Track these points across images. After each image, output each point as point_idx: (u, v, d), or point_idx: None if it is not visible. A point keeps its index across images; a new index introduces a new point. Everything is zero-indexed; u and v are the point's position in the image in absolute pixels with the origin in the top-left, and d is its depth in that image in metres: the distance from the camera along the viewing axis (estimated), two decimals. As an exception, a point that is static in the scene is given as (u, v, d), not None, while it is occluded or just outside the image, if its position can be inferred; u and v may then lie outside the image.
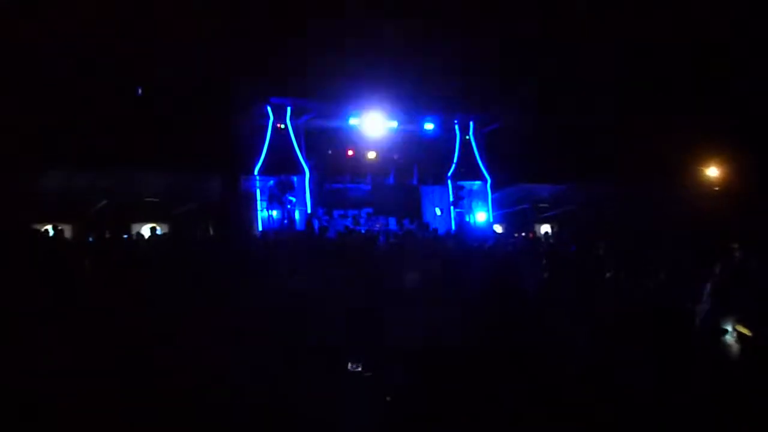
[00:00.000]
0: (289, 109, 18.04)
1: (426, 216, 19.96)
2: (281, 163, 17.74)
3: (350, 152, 19.48)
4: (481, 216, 20.12)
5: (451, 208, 20.03)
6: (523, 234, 17.42)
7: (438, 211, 20.04)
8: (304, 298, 8.12)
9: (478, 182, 20.34)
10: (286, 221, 17.38)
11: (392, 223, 18.56)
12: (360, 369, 6.59)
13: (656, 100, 18.74)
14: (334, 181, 19.22)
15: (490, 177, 20.30)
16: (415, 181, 20.43)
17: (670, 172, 18.86)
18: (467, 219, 19.92)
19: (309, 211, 17.91)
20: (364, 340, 7.02)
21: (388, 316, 7.68)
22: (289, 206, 17.58)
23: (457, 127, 20.42)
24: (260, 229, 17.16)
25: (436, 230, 17.23)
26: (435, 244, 13.48)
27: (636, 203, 17.35)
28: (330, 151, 19.23)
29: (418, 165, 20.47)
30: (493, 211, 20.23)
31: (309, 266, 9.91)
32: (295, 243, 13.67)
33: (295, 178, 17.94)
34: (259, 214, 17.49)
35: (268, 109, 17.90)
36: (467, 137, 20.38)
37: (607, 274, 9.81)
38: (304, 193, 18.07)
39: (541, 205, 20.84)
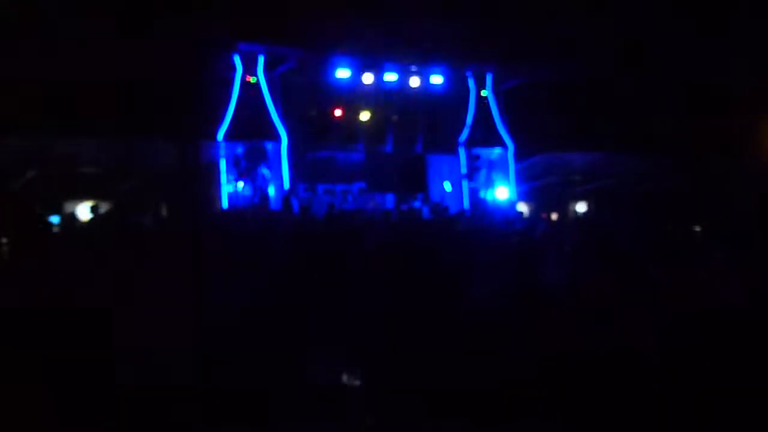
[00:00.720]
0: (261, 58, 18.06)
1: (433, 193, 20.12)
2: (252, 127, 17.85)
3: (338, 113, 19.60)
4: (501, 192, 20.34)
5: (464, 182, 20.26)
6: (554, 214, 17.77)
7: (448, 186, 20.26)
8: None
9: (497, 150, 20.60)
10: (257, 199, 17.56)
11: (390, 200, 18.85)
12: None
13: (737, 52, 18.87)
14: (318, 148, 19.33)
15: (513, 143, 20.51)
16: (419, 149, 20.64)
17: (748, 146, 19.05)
18: (484, 196, 20.20)
19: (287, 186, 17.98)
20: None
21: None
22: (261, 180, 17.86)
23: (471, 81, 20.56)
24: (224, 208, 17.25)
25: (446, 209, 17.46)
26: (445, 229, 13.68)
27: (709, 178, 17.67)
28: (313, 112, 19.35)
29: (423, 128, 20.66)
30: (516, 186, 20.39)
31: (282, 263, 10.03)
32: (266, 226, 13.73)
33: (269, 145, 18.08)
34: (223, 190, 17.59)
35: (236, 58, 17.89)
36: (484, 94, 20.54)
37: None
38: (281, 163, 18.19)
39: (574, 177, 20.98)
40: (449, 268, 10.41)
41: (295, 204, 17.12)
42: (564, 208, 20.50)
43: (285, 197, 17.37)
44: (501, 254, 11.29)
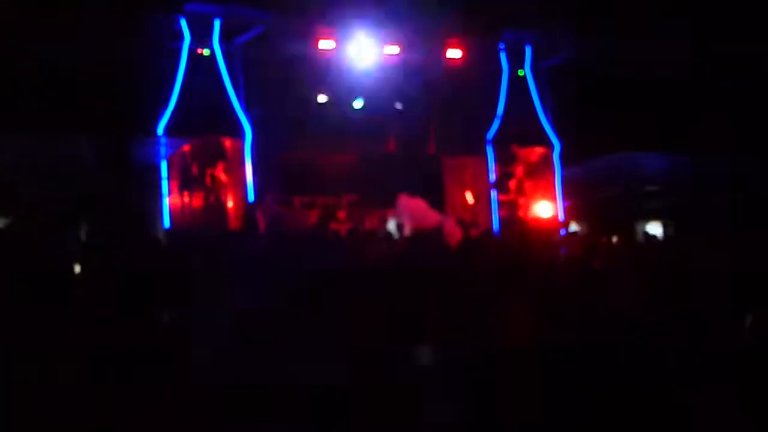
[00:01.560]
0: (217, 23, 17.97)
1: (450, 208, 20.15)
2: (204, 117, 17.76)
3: (321, 99, 19.80)
4: (544, 207, 20.25)
5: (493, 193, 20.18)
6: (616, 238, 17.06)
7: (470, 199, 20.30)
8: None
9: (539, 150, 20.51)
10: (210, 215, 17.68)
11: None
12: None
13: None
14: (295, 147, 19.17)
15: (560, 141, 20.43)
16: (431, 149, 20.72)
17: None
18: (520, 212, 20.14)
19: (251, 198, 17.87)
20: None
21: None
22: (216, 189, 17.80)
23: (503, 57, 20.44)
24: (166, 228, 17.26)
25: (467, 228, 16.88)
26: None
27: None
28: (287, 97, 19.21)
29: (437, 120, 20.67)
30: (563, 200, 20.33)
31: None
32: (222, 253, 12.78)
33: (227, 142, 18.07)
34: (164, 204, 17.55)
35: (182, 23, 17.81)
36: (520, 74, 20.48)
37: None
38: (243, 166, 18.13)
39: (647, 188, 20.94)
40: (471, 312, 10.00)
41: (263, 222, 16.51)
42: (632, 231, 20.18)
43: (248, 213, 16.96)
44: (544, 294, 10.67)
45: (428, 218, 16.69)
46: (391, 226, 17.26)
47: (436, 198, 19.61)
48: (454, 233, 15.59)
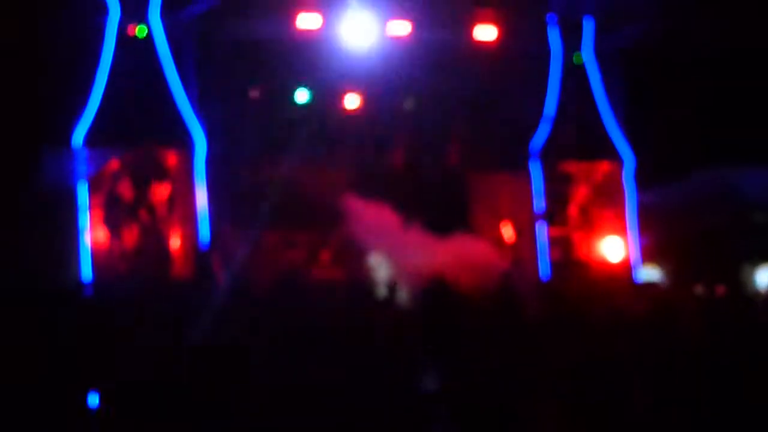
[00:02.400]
0: None
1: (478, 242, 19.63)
2: (138, 121, 17.79)
3: (302, 95, 19.74)
4: (613, 245, 20.11)
5: (541, 225, 20.21)
6: (720, 287, 16.89)
7: (508, 233, 20.27)
8: None
9: (604, 166, 20.55)
10: (147, 258, 17.70)
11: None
12: None
13: None
14: (264, 161, 19.34)
15: (633, 154, 20.42)
16: (454, 162, 20.73)
17: None
18: (579, 253, 20.19)
19: (205, 233, 18.05)
20: None
21: None
22: (155, 221, 17.93)
23: (554, 34, 20.43)
24: (86, 278, 17.19)
25: (507, 278, 16.65)
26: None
27: None
28: (254, 93, 19.58)
29: (462, 124, 20.62)
30: (639, 236, 20.28)
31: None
32: (164, 314, 13.25)
33: (170, 156, 18.19)
34: (83, 242, 17.39)
35: None
36: (578, 61, 20.47)
37: None
38: (193, 189, 18.21)
39: (761, 217, 20.87)
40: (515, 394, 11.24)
41: (221, 271, 17.08)
42: (739, 279, 19.57)
43: (201, 256, 17.58)
44: (611, 375, 11.85)
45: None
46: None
47: (461, 228, 19.53)
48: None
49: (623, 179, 20.21)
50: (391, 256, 18.30)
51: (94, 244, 17.43)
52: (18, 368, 11.08)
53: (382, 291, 15.43)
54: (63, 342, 11.93)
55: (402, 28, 19.10)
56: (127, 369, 11.46)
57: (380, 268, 18.01)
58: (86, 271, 17.17)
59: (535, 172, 20.00)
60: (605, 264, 19.73)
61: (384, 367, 11.74)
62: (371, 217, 19.04)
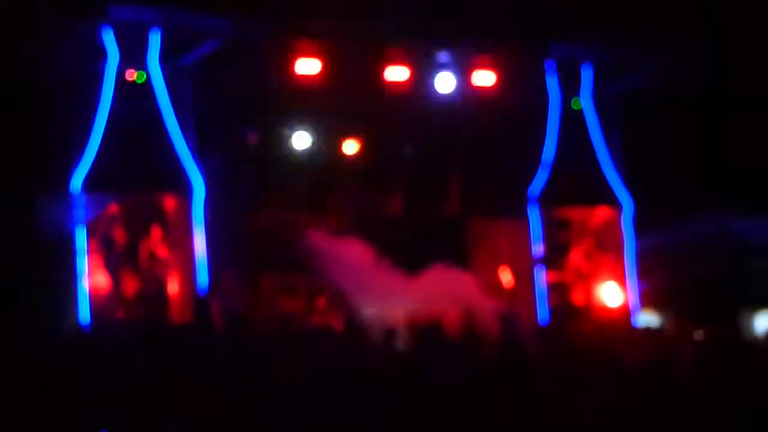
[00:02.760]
0: (157, 36, 18.00)
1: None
2: (136, 167, 17.71)
3: (301, 140, 19.69)
4: (610, 293, 20.09)
5: (539, 270, 20.17)
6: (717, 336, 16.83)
7: (506, 279, 20.26)
8: None
9: (602, 212, 20.65)
10: (147, 305, 17.60)
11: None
12: None
13: None
14: (264, 206, 19.34)
15: (632, 199, 20.51)
16: (452, 208, 20.84)
17: None
18: (577, 299, 20.19)
19: (204, 279, 17.95)
20: None
21: None
22: (153, 267, 17.80)
23: (552, 80, 20.43)
24: (84, 321, 16.97)
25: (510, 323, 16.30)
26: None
27: None
28: (254, 139, 19.56)
29: (461, 170, 20.76)
30: (638, 282, 20.28)
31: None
32: (164, 360, 13.17)
33: (168, 202, 18.17)
34: (81, 289, 17.25)
35: (107, 35, 17.73)
36: (575, 106, 20.55)
37: None
38: (192, 235, 18.09)
39: (761, 263, 20.97)
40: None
41: (220, 314, 16.40)
42: (738, 325, 19.76)
43: (200, 301, 17.16)
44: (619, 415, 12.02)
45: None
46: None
47: (457, 274, 19.40)
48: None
49: (622, 224, 20.21)
50: (384, 301, 18.20)
51: (92, 289, 17.25)
52: (17, 413, 11.05)
53: (378, 337, 15.11)
54: (62, 386, 11.81)
55: (401, 72, 19.08)
56: (127, 413, 11.47)
57: (374, 315, 17.87)
58: (85, 316, 16.99)
59: (534, 217, 19.96)
60: (604, 310, 19.64)
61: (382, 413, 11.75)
62: (365, 263, 18.98)
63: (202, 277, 17.81)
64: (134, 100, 17.74)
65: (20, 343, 13.40)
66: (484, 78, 19.64)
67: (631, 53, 19.92)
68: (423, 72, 19.42)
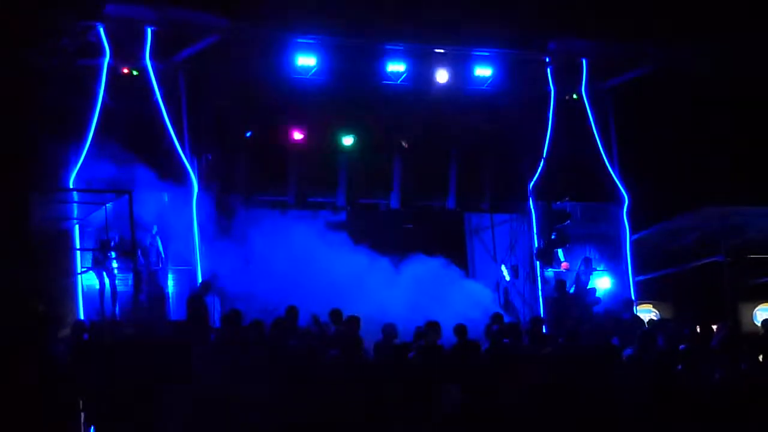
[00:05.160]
0: (149, 32, 17.91)
1: (477, 284, 19.73)
2: (132, 161, 17.69)
3: (297, 135, 19.76)
4: (609, 283, 20.16)
5: (538, 263, 20.14)
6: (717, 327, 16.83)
7: (506, 274, 20.11)
8: None
9: (600, 205, 20.60)
10: (142, 298, 17.59)
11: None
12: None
13: None
14: (259, 201, 19.24)
15: (629, 193, 20.55)
16: (451, 203, 20.43)
17: None
18: (574, 288, 19.96)
19: (199, 275, 17.89)
20: None
21: None
22: (149, 262, 17.78)
23: (550, 73, 20.11)
24: (79, 318, 16.74)
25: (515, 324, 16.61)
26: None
27: None
28: (249, 133, 19.24)
29: (459, 164, 20.40)
30: (634, 273, 19.97)
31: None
32: (157, 356, 13.31)
33: (164, 196, 18.07)
34: (77, 285, 17.36)
35: (100, 31, 17.71)
36: (572, 97, 20.26)
37: None
38: (190, 229, 18.14)
39: (757, 256, 20.76)
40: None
41: (216, 309, 17.12)
42: (736, 317, 19.55)
43: (195, 296, 17.15)
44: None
45: None
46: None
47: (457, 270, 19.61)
48: None
49: (620, 218, 20.14)
50: None
51: (86, 285, 17.26)
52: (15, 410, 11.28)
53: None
54: (60, 382, 12.09)
55: (398, 67, 18.98)
56: (123, 409, 11.66)
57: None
58: (79, 312, 16.98)
59: (532, 211, 19.90)
60: (602, 302, 19.32)
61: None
62: None
63: (198, 273, 17.81)
64: (128, 95, 17.74)
65: (18, 341, 13.31)
66: (483, 71, 19.48)
67: (629, 47, 19.76)
68: (421, 66, 19.25)
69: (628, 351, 14.25)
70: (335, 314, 16.38)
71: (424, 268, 19.18)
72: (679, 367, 13.80)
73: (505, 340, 15.29)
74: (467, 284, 19.53)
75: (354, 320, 15.43)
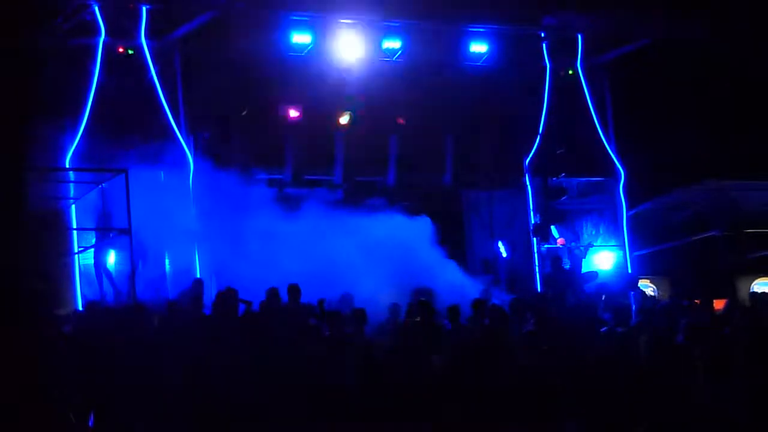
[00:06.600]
0: (144, 10, 17.91)
1: (474, 261, 20.26)
2: (128, 141, 17.65)
3: (293, 113, 19.80)
4: (604, 259, 20.25)
5: (534, 240, 20.24)
6: (719, 302, 16.89)
7: (503, 250, 20.22)
8: None
9: (596, 180, 20.79)
10: (137, 285, 17.23)
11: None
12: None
13: None
14: (256, 179, 19.28)
15: (625, 168, 20.47)
16: (447, 179, 20.75)
17: None
18: (571, 265, 19.89)
19: (197, 260, 18.00)
20: None
21: None
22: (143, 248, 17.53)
23: (545, 49, 20.38)
24: (79, 308, 16.72)
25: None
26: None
27: None
28: (244, 111, 19.57)
29: (456, 141, 20.70)
30: (632, 248, 20.33)
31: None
32: (155, 346, 13.26)
33: (160, 174, 18.07)
34: (76, 268, 17.31)
35: (95, 9, 17.63)
36: (568, 72, 20.64)
37: None
38: (186, 210, 18.16)
39: (755, 230, 20.86)
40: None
41: (213, 290, 16.41)
42: (734, 291, 19.50)
43: (194, 283, 16.66)
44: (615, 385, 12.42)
45: None
46: None
47: (454, 247, 19.60)
48: None
49: (616, 193, 20.25)
50: None
51: (84, 269, 17.36)
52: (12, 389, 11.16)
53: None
54: (56, 365, 11.83)
55: (392, 44, 19.01)
56: (120, 391, 11.56)
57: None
58: (77, 302, 16.95)
59: (530, 189, 20.00)
60: (601, 276, 19.27)
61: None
62: None
63: (195, 256, 17.87)
64: (124, 74, 17.75)
65: (14, 326, 13.39)
66: (479, 49, 19.56)
67: (624, 20, 19.66)
68: (417, 43, 19.23)
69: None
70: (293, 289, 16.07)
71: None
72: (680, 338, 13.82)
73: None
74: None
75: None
